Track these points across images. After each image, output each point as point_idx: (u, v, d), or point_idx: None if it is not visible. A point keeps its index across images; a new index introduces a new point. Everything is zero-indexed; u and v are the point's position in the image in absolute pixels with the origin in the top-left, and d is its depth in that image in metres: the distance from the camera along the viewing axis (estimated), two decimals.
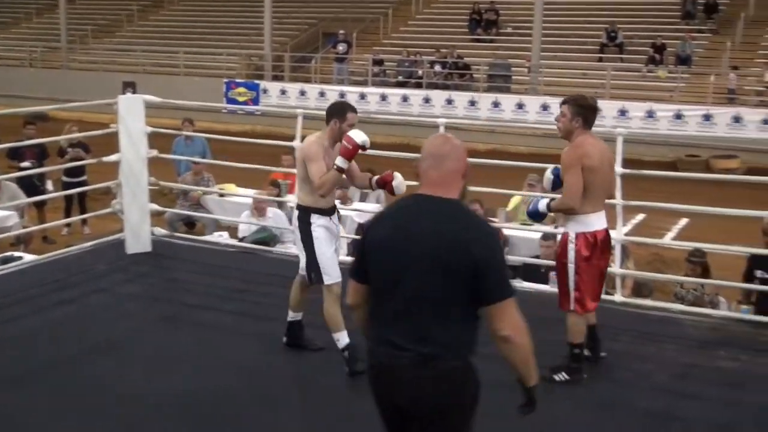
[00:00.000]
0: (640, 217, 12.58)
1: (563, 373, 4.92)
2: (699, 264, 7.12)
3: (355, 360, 4.86)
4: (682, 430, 4.47)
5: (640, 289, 7.72)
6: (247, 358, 5.26)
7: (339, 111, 5.04)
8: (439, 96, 22.65)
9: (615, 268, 6.71)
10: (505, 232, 8.83)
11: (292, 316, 5.34)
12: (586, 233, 4.80)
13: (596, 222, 4.83)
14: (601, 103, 22.38)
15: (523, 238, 8.72)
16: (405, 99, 22.87)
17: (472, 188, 7.39)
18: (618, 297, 6.36)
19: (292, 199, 8.59)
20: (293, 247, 8.61)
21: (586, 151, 4.76)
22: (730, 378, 5.04)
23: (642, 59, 22.50)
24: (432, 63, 23.77)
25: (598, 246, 4.84)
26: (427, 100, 22.66)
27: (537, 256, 7.70)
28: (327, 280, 5.01)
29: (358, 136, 4.80)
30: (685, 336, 5.62)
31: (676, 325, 5.89)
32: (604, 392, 4.87)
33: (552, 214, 5.27)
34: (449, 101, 22.46)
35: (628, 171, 6.15)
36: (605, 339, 5.26)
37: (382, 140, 20.89)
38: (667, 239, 6.66)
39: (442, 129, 6.79)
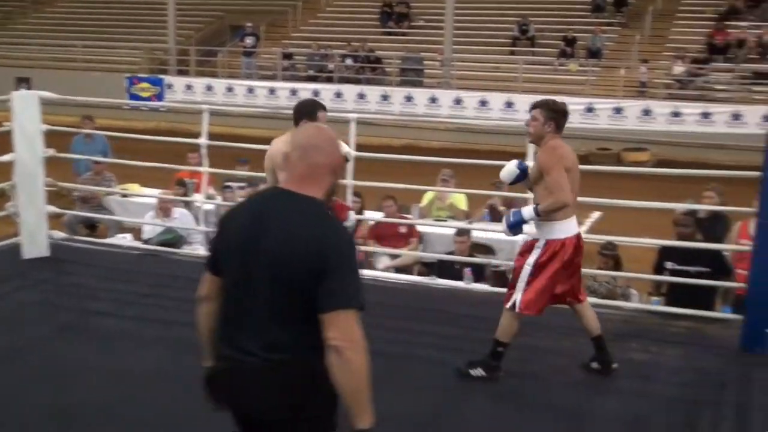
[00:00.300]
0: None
1: (480, 369, 4.99)
2: (611, 257, 7.32)
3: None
4: (597, 424, 4.58)
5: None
6: (151, 365, 5.16)
7: (309, 110, 4.84)
8: (350, 90, 22.67)
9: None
10: (420, 228, 8.91)
11: None
12: (554, 240, 4.88)
13: (567, 228, 4.91)
14: (514, 97, 22.72)
15: (437, 234, 8.81)
16: (316, 94, 22.76)
17: (386, 184, 7.45)
18: None
19: (199, 199, 8.49)
20: (201, 248, 8.52)
21: (564, 152, 4.86)
22: (642, 370, 5.20)
23: (553, 52, 22.99)
24: (343, 56, 23.77)
25: (568, 250, 4.90)
26: (338, 95, 22.65)
27: (451, 252, 7.78)
28: None
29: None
30: None
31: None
32: (519, 388, 4.96)
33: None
34: (361, 96, 22.50)
35: None
36: (521, 335, 5.36)
37: None
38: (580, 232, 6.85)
39: (353, 124, 6.79)
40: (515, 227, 5.00)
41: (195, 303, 2.91)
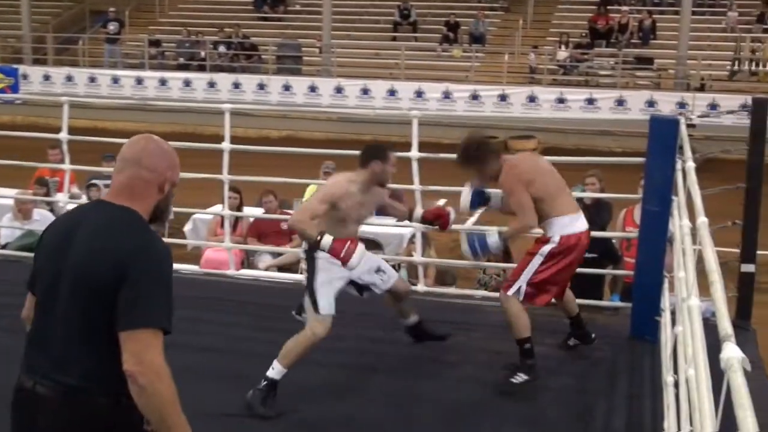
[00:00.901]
0: (441, 202, 13.02)
1: (521, 374, 4.89)
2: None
3: (265, 399, 4.62)
4: (492, 420, 4.66)
5: (443, 277, 7.99)
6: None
7: (382, 152, 4.91)
8: (224, 79, 22.38)
9: (416, 256, 6.92)
10: None
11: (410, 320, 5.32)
12: (569, 234, 4.94)
13: (575, 223, 4.98)
14: (397, 85, 22.87)
15: None
16: (187, 83, 22.42)
17: (266, 178, 7.39)
18: (421, 287, 6.56)
19: (62, 198, 8.21)
20: None
21: (521, 169, 4.95)
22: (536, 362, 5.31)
23: (436, 38, 23.29)
24: (215, 44, 23.45)
25: (580, 246, 4.99)
26: (211, 85, 22.33)
27: None
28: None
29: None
30: (489, 323, 5.87)
31: (480, 312, 6.14)
32: (412, 387, 4.99)
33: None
34: (236, 85, 22.25)
35: (424, 155, 6.37)
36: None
37: (162, 129, 20.41)
38: (469, 224, 6.95)
39: (227, 115, 6.69)
40: (479, 254, 5.13)
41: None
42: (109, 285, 2.44)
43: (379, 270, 5.00)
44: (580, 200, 7.11)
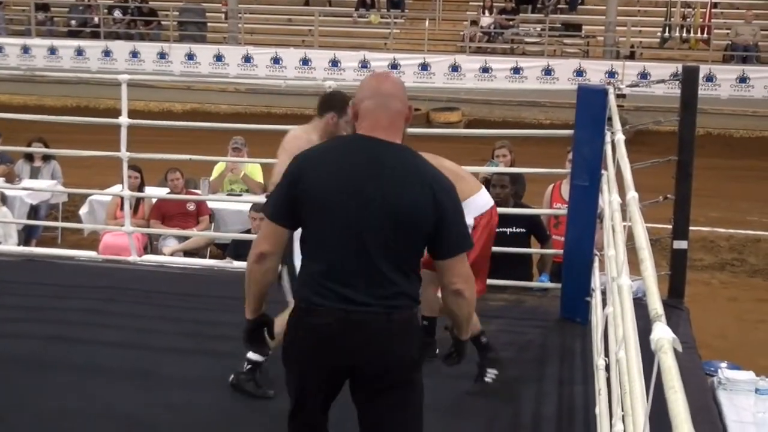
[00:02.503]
0: None
1: (490, 370, 4.92)
2: None
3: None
4: None
5: None
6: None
7: (340, 103, 4.77)
8: (121, 48, 21.97)
9: None
10: (211, 205, 8.81)
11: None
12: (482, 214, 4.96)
13: (481, 200, 5.00)
14: (310, 53, 22.76)
15: (231, 211, 8.75)
16: (80, 52, 21.93)
17: (170, 156, 7.31)
18: None
19: None
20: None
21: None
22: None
23: (352, 3, 23.23)
24: (110, 8, 23.00)
25: (492, 223, 5.02)
26: (107, 53, 21.90)
27: (248, 231, 7.75)
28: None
29: None
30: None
31: None
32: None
33: None
34: (134, 54, 21.86)
35: None
36: None
37: (53, 103, 20.01)
38: None
39: (124, 87, 6.57)
40: None
41: None
42: (431, 221, 3.02)
43: None
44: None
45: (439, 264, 3.11)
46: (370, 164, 3.02)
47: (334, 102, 4.87)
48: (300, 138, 4.75)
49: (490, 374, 4.91)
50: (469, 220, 4.91)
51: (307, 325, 3.05)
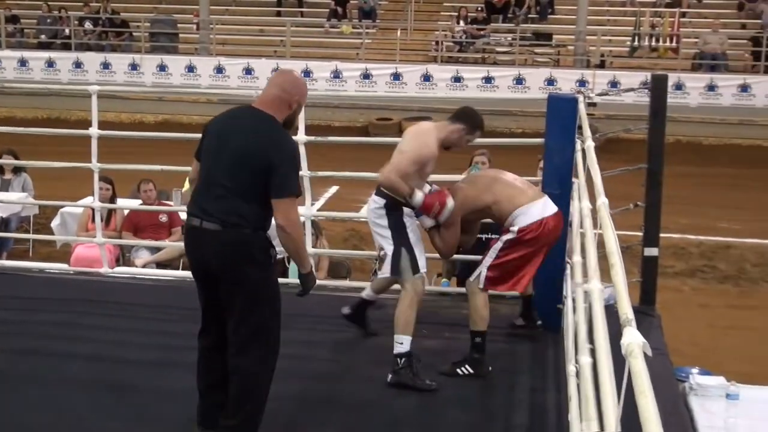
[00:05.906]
0: (333, 189, 13.06)
1: (466, 366, 5.14)
2: None
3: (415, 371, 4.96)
4: (388, 419, 4.72)
5: (337, 269, 8.02)
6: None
7: (473, 122, 5.22)
8: (92, 59, 21.89)
9: (307, 248, 6.90)
10: (183, 216, 8.76)
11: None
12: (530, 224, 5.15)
13: (533, 210, 5.20)
14: (283, 64, 22.64)
15: None
16: (51, 64, 21.81)
17: (142, 166, 7.29)
18: None
19: None
20: None
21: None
22: (435, 356, 5.37)
23: (324, 13, 23.23)
24: (81, 20, 22.86)
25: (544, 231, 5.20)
26: (78, 65, 21.80)
27: None
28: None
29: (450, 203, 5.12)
30: (387, 318, 5.90)
31: (377, 307, 6.16)
32: (307, 388, 5.00)
33: None
34: (105, 65, 21.78)
35: (312, 138, 6.37)
36: (301, 330, 5.42)
37: (24, 115, 19.86)
38: (364, 212, 6.99)
39: (95, 98, 6.52)
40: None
41: None
42: (265, 167, 4.00)
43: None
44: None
45: (272, 203, 4.02)
46: (241, 124, 4.18)
47: (470, 119, 5.24)
48: (430, 133, 5.16)
49: (465, 370, 5.14)
50: (513, 229, 5.18)
51: (186, 227, 4.20)
